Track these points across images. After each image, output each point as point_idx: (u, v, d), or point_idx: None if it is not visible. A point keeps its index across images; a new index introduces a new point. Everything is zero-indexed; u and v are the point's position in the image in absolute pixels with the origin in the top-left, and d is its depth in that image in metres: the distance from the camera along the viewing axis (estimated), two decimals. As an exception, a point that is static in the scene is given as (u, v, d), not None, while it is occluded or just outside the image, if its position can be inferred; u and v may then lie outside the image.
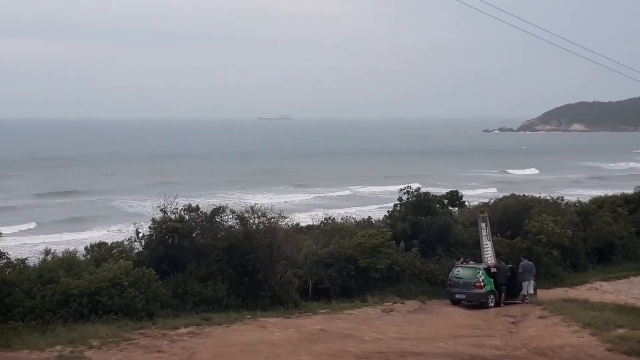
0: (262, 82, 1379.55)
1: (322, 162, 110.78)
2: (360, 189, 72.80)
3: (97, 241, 22.26)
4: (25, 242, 39.76)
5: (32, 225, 46.94)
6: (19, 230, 44.50)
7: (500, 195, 38.52)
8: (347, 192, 71.11)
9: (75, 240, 37.80)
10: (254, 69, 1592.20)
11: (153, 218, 21.15)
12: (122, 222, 46.96)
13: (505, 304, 23.82)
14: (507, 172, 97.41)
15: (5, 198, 61.51)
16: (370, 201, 61.28)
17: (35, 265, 19.48)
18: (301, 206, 57.26)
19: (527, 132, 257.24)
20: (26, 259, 19.62)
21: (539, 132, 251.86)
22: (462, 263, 24.80)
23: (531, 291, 24.37)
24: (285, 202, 60.11)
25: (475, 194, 54.48)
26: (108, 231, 43.47)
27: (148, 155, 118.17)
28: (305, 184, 77.00)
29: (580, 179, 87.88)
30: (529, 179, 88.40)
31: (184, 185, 69.94)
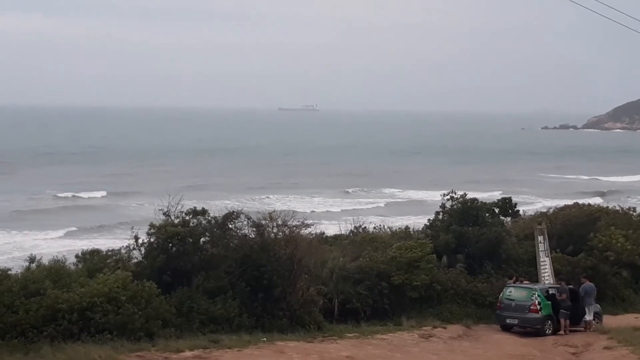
0: (280, 69, 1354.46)
1: (381, 161, 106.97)
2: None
3: (90, 248, 22.15)
4: (74, 246, 39.21)
5: (73, 228, 48.02)
6: (65, 233, 46.21)
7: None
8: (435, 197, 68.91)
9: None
10: (269, 52, 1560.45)
11: (151, 223, 20.74)
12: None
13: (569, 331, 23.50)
14: (598, 178, 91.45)
15: (28, 198, 61.39)
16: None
17: (18, 274, 19.20)
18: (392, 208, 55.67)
19: (594, 130, 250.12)
20: (10, 269, 19.25)
21: (611, 131, 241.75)
22: (514, 282, 24.51)
23: (591, 317, 23.93)
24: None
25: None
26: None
27: (179, 150, 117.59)
28: (379, 188, 74.67)
29: None
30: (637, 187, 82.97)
31: (239, 186, 69.21)
